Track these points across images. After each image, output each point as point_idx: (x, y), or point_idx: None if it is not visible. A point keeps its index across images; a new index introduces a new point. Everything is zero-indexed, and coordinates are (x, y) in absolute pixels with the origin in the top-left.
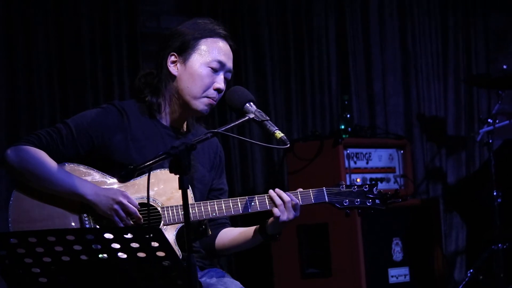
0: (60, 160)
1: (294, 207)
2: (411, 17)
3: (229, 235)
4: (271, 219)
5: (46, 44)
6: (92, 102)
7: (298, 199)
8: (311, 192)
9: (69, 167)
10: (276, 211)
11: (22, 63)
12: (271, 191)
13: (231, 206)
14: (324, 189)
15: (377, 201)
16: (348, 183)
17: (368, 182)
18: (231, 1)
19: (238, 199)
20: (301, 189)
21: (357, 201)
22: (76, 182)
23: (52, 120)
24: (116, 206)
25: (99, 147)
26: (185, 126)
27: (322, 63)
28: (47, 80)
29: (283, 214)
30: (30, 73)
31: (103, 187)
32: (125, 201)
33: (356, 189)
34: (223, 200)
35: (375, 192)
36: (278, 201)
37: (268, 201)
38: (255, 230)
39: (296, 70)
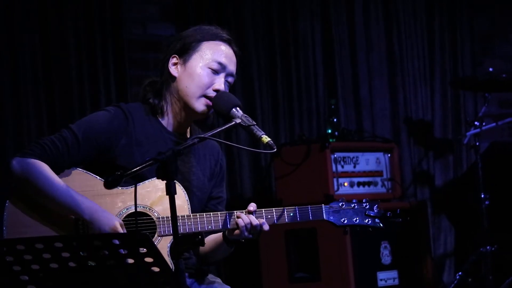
0: (65, 168)
1: (254, 229)
2: (397, 20)
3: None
4: (236, 231)
5: (32, 51)
6: (78, 110)
7: (296, 215)
8: (309, 209)
9: (67, 171)
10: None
11: (7, 72)
12: (238, 213)
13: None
14: (323, 206)
15: (376, 220)
16: (335, 187)
17: (368, 200)
18: (217, 7)
19: (235, 212)
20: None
21: (356, 220)
22: (75, 201)
23: (39, 129)
24: (110, 231)
25: (104, 151)
26: (189, 131)
27: (309, 68)
28: (33, 88)
29: (244, 233)
30: (16, 81)
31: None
32: (120, 230)
33: (356, 206)
34: (220, 213)
35: (375, 210)
36: (241, 223)
37: (265, 214)
38: (220, 237)
39: (282, 75)
